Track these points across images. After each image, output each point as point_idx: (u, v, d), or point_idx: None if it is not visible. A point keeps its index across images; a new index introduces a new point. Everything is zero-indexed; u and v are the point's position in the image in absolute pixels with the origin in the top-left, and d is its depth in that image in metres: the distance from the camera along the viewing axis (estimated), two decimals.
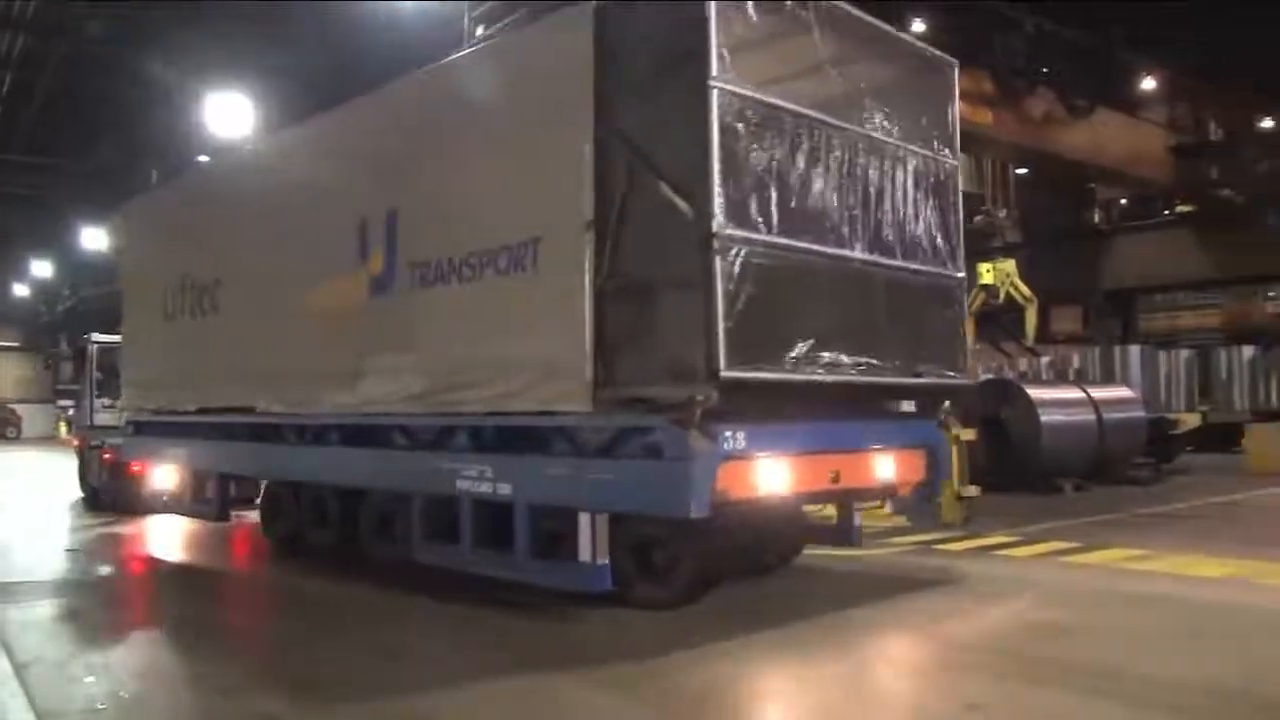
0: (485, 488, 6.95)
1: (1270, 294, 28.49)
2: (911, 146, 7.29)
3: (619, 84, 6.27)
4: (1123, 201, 28.60)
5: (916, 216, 7.30)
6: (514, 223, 6.82)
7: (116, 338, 13.50)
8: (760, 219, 6.03)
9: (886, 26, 7.18)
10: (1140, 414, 17.17)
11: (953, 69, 7.83)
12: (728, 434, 5.91)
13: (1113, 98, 23.49)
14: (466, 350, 7.22)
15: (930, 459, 7.56)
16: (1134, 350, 22.93)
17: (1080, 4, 18.88)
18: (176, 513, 11.73)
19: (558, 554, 6.81)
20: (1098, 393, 16.43)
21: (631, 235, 6.16)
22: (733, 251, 5.80)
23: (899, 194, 7.14)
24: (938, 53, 7.74)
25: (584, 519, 6.34)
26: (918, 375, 7.23)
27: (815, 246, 6.43)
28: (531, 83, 6.77)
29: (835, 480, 6.75)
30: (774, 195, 6.16)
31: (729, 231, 5.79)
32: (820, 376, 6.29)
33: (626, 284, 6.16)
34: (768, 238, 6.05)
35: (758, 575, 7.76)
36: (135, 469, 13.17)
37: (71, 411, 20.01)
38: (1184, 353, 24.13)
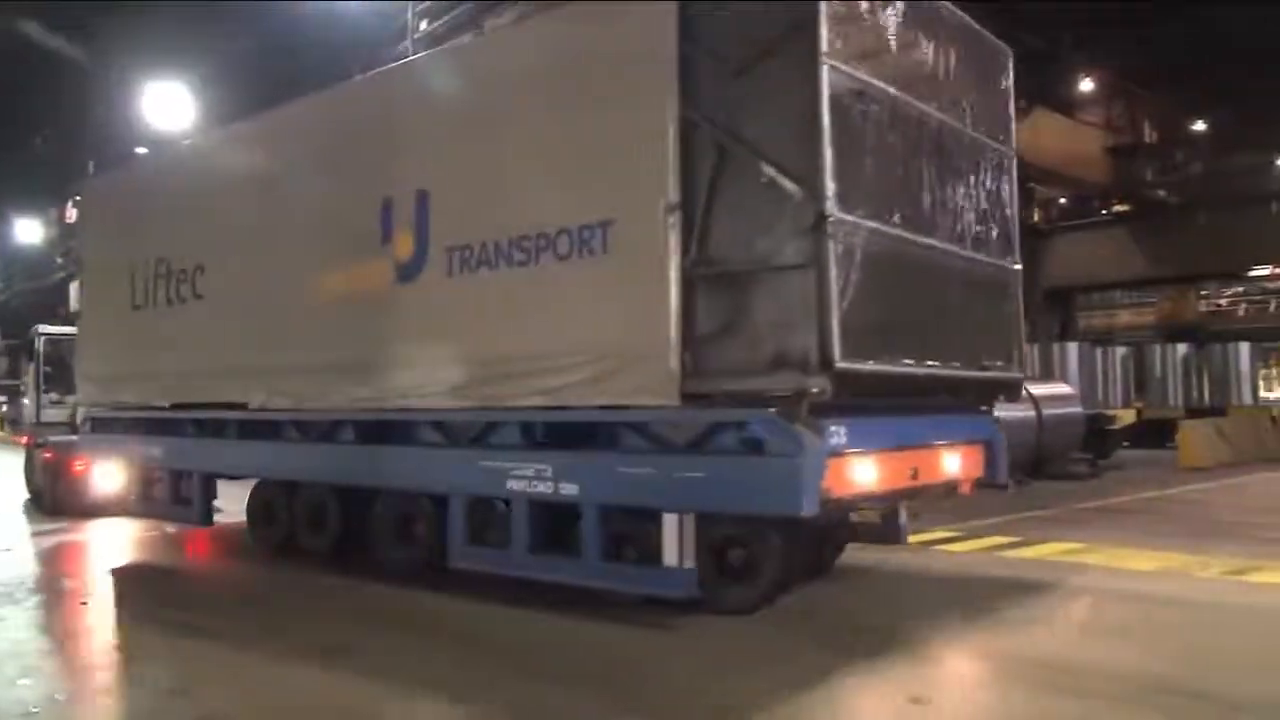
0: (544, 488, 6.48)
1: (1202, 292, 29.74)
2: (979, 135, 7.12)
3: (707, 63, 5.91)
4: (1061, 201, 29.44)
5: (984, 206, 7.14)
6: (578, 205, 6.38)
7: (67, 329, 12.49)
8: (863, 203, 5.75)
9: (960, 11, 6.97)
10: (1078, 410, 17.54)
11: (1008, 58, 7.69)
12: (833, 428, 5.63)
13: (1051, 99, 24.07)
14: (517, 340, 6.75)
15: (989, 454, 7.42)
16: (1072, 347, 23.54)
17: (1022, 5, 19.23)
18: (149, 516, 10.81)
19: (623, 556, 6.42)
20: (1037, 389, 16.62)
21: (723, 219, 5.82)
22: (842, 235, 5.51)
23: (972, 183, 6.98)
24: (996, 40, 7.58)
25: (669, 520, 5.94)
26: (984, 368, 7.07)
27: (906, 234, 6.19)
28: (605, 59, 6.32)
29: (914, 477, 6.54)
30: (873, 179, 5.90)
31: (840, 215, 5.50)
32: (918, 369, 6.05)
33: (717, 269, 5.82)
34: (869, 223, 5.79)
35: (813, 576, 7.48)
36: (78, 469, 12.26)
37: (5, 407, 18.64)
38: (1120, 350, 24.90)
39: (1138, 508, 12.81)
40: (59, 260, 28.45)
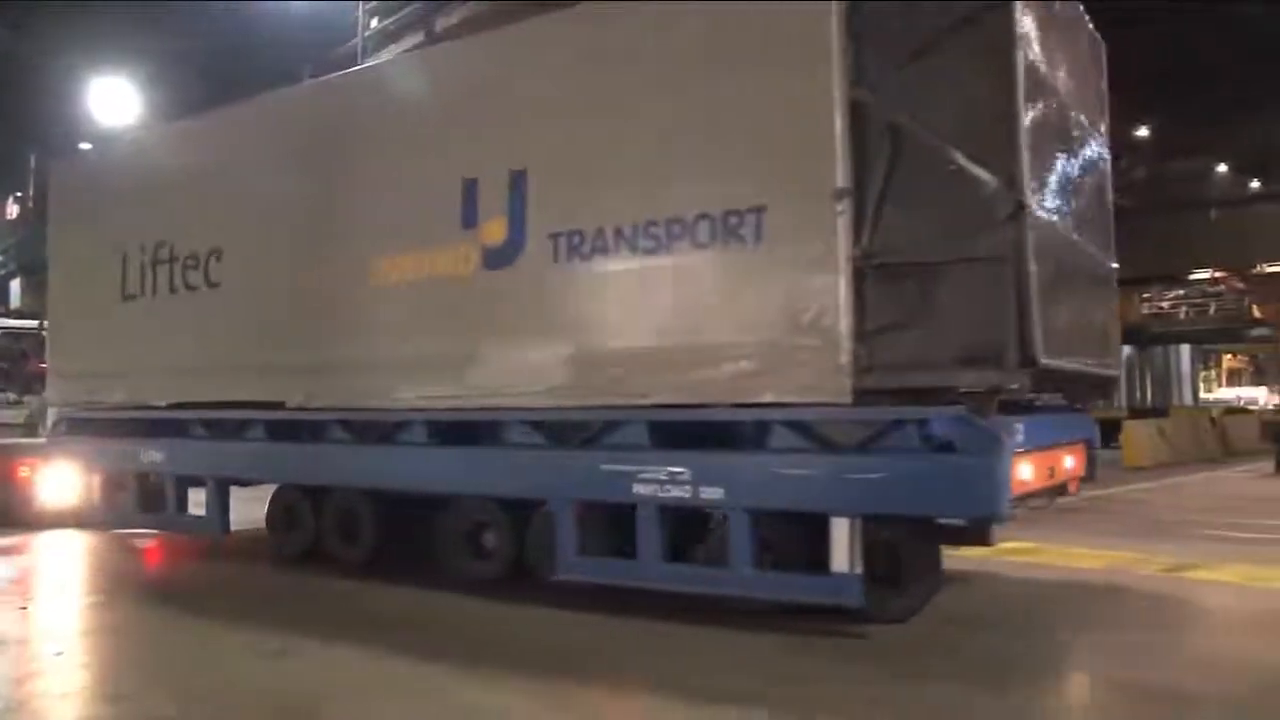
0: (680, 493, 6.04)
1: (1145, 295, 30.98)
2: (1093, 129, 7.03)
3: (877, 42, 5.60)
4: None
5: (1096, 203, 7.07)
6: (722, 190, 5.97)
7: (27, 323, 11.35)
8: (1045, 195, 5.56)
9: (1078, 4, 6.85)
10: None
11: (1102, 48, 7.63)
12: (1019, 426, 5.41)
13: None
14: (643, 333, 6.30)
15: (1088, 453, 7.34)
16: None
17: None
18: (146, 527, 9.81)
19: (762, 564, 6.06)
20: None
21: (897, 206, 5.53)
22: (1037, 227, 5.29)
23: (1093, 178, 6.89)
24: (1094, 31, 7.50)
25: (839, 524, 5.59)
26: (1105, 365, 7.00)
27: (1063, 226, 6.04)
28: (760, 34, 5.90)
29: (1051, 476, 6.40)
30: (1043, 170, 5.71)
31: (1034, 204, 5.28)
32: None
33: (894, 259, 5.51)
34: (1048, 216, 5.60)
35: None
36: (22, 475, 11.16)
37: None
38: None
39: (1083, 506, 12.95)
40: None
